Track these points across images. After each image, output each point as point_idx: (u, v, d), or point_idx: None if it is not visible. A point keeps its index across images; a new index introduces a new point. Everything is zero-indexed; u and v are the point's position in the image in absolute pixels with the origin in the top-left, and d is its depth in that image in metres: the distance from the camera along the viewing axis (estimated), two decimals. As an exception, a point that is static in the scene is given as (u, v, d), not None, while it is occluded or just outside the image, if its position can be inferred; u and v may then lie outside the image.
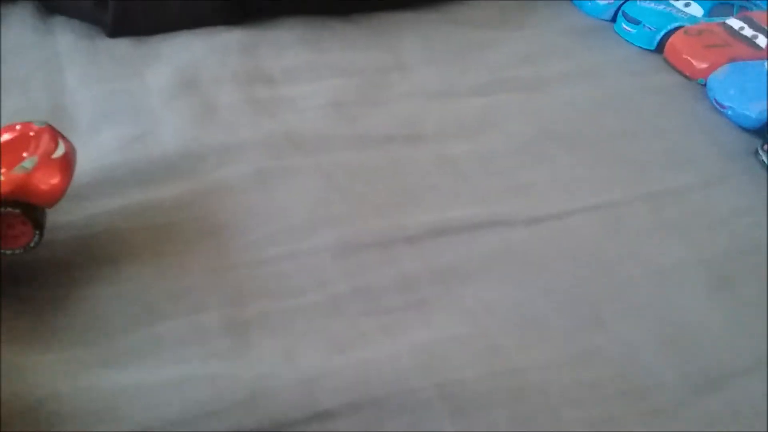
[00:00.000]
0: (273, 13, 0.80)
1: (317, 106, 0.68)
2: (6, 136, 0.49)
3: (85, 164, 0.53)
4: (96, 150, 0.54)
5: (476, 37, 0.83)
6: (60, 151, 0.48)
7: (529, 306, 0.50)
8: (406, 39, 0.81)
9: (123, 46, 0.74)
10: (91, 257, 0.50)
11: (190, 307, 0.47)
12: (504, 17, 0.89)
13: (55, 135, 0.49)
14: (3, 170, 0.45)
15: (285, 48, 0.76)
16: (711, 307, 0.51)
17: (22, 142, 0.48)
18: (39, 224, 0.46)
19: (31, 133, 0.48)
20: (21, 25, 0.76)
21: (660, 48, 0.84)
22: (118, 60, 0.72)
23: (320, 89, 0.70)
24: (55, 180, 0.46)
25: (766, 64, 0.75)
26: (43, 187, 0.45)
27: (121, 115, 0.64)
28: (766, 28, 0.81)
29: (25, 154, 0.46)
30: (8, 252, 0.46)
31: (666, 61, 0.82)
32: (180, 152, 0.60)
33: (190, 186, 0.57)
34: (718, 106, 0.74)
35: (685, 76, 0.79)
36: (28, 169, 0.45)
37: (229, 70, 0.71)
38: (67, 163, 0.48)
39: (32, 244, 0.46)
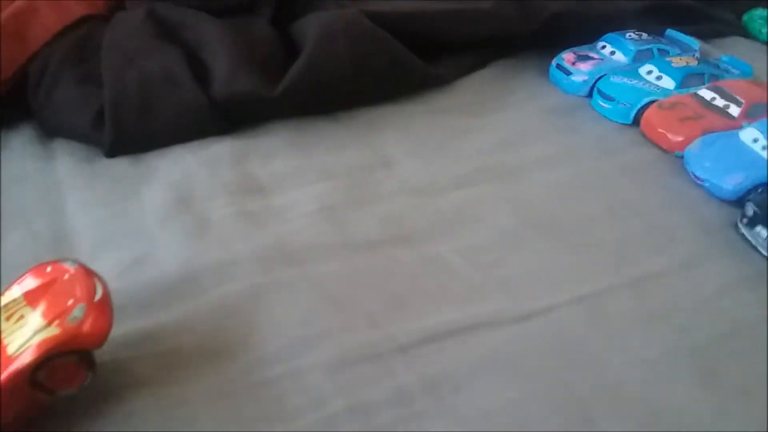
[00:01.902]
0: (260, 119, 0.84)
1: (306, 214, 0.70)
2: (40, 280, 0.50)
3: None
4: (97, 278, 0.56)
5: (456, 125, 0.86)
6: (99, 293, 0.50)
7: (521, 409, 0.51)
8: (389, 133, 0.84)
9: (121, 165, 0.77)
10: (95, 391, 0.51)
11: (192, 439, 0.48)
12: (483, 101, 0.92)
13: (91, 275, 0.51)
14: (57, 321, 0.47)
15: (273, 154, 0.79)
16: (700, 397, 0.52)
17: (62, 286, 0.50)
18: (92, 365, 0.48)
19: (66, 276, 0.50)
20: (21, 152, 0.80)
21: (636, 121, 0.87)
22: (117, 180, 0.75)
23: (308, 195, 0.73)
24: (103, 324, 0.48)
25: (739, 134, 0.78)
26: (94, 332, 0.48)
27: (120, 238, 0.67)
28: (736, 97, 0.84)
29: (70, 301, 0.48)
30: (64, 394, 0.48)
31: (643, 135, 0.85)
32: (177, 274, 0.62)
33: (188, 309, 0.59)
34: (695, 179, 0.76)
35: (663, 150, 0.82)
36: (79, 318, 0.47)
37: (220, 182, 0.74)
38: (108, 304, 0.50)
39: (86, 384, 0.48)
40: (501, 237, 0.67)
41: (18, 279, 0.52)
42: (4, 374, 0.45)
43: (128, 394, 0.51)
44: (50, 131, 0.83)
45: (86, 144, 0.80)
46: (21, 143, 0.82)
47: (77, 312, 0.48)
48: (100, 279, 0.51)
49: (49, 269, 0.52)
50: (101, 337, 0.48)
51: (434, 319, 0.58)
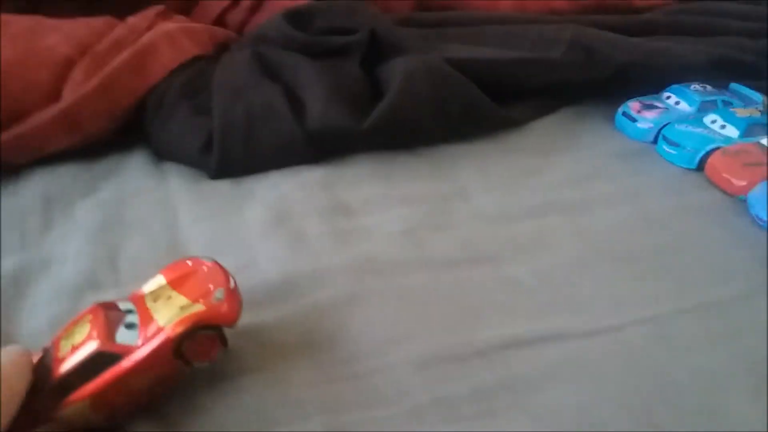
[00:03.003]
0: (348, 151, 0.93)
1: (390, 233, 0.78)
2: (182, 271, 0.60)
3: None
4: (208, 280, 0.63)
5: (528, 163, 0.93)
6: (232, 282, 0.59)
7: (591, 412, 0.56)
8: (465, 168, 0.92)
9: (224, 187, 0.87)
10: (211, 374, 0.59)
11: (297, 416, 0.55)
12: (552, 143, 0.99)
13: (223, 268, 0.60)
14: (202, 300, 0.56)
15: (359, 182, 0.87)
16: (757, 409, 0.56)
17: (203, 275, 0.59)
18: (225, 340, 0.56)
19: (205, 268, 0.60)
20: (138, 172, 0.91)
21: (700, 166, 0.91)
22: (221, 199, 0.84)
23: (392, 218, 0.80)
24: (238, 306, 0.57)
25: (800, 180, 0.82)
26: (232, 311, 0.56)
27: (227, 248, 0.75)
28: (797, 146, 0.88)
29: (211, 286, 0.57)
30: (199, 365, 0.55)
31: (707, 179, 0.89)
32: (277, 279, 0.70)
33: (288, 309, 0.66)
34: (758, 221, 0.80)
35: (727, 193, 0.86)
36: (221, 299, 0.56)
37: (313, 204, 0.82)
38: (238, 291, 0.59)
39: (219, 357, 0.56)
40: (569, 263, 0.73)
41: (162, 270, 0.61)
42: (156, 340, 0.53)
43: (240, 378, 0.59)
44: (163, 155, 0.93)
45: (194, 167, 0.90)
46: (136, 164, 0.93)
47: (218, 294, 0.56)
48: (230, 273, 0.60)
49: (189, 263, 0.61)
50: (236, 316, 0.57)
51: (508, 330, 0.63)
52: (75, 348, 0.54)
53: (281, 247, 0.75)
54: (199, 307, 0.55)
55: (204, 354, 0.55)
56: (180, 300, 0.56)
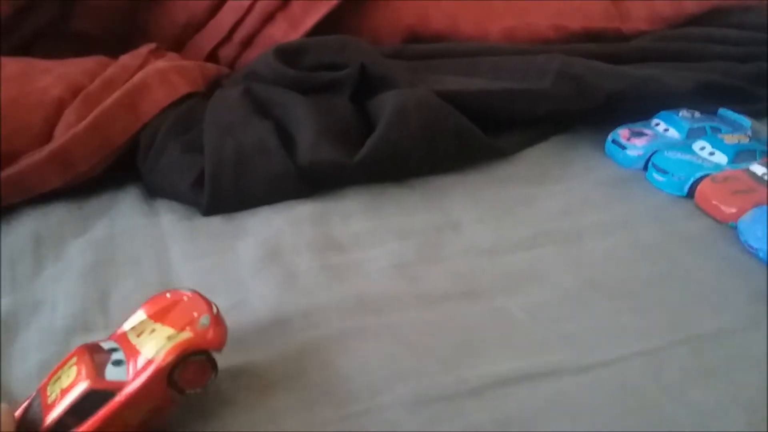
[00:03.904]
0: (338, 184, 0.93)
1: (382, 269, 0.77)
2: (162, 304, 0.61)
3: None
4: (200, 320, 0.63)
5: (519, 193, 0.93)
6: (215, 308, 0.60)
7: (584, 450, 0.55)
8: (456, 199, 0.92)
9: (216, 223, 0.87)
10: (200, 415, 0.59)
11: (287, 461, 0.54)
12: (543, 172, 0.99)
13: (204, 296, 0.61)
14: (188, 328, 0.57)
15: (351, 216, 0.88)
16: (753, 446, 0.56)
17: (184, 305, 0.60)
18: (215, 365, 0.57)
19: (185, 298, 0.61)
20: (130, 209, 0.91)
21: (690, 193, 0.92)
22: (213, 236, 0.84)
23: (384, 252, 0.80)
24: (223, 330, 0.58)
25: (788, 206, 0.82)
26: (218, 336, 0.57)
27: (218, 286, 0.75)
28: (786, 172, 0.88)
29: (195, 314, 0.58)
30: (192, 392, 0.56)
31: (698, 206, 0.90)
32: (269, 318, 0.70)
33: (279, 349, 0.66)
34: (749, 248, 0.80)
35: (717, 220, 0.86)
36: (206, 325, 0.57)
37: (305, 240, 0.82)
38: (222, 316, 0.60)
39: (210, 382, 0.57)
40: (563, 296, 0.73)
41: (141, 305, 0.62)
42: (147, 372, 0.54)
43: (229, 420, 0.58)
44: (155, 192, 0.93)
45: (186, 204, 0.90)
46: (128, 202, 0.93)
47: (204, 320, 0.57)
48: (211, 300, 0.61)
49: (168, 295, 0.62)
50: (223, 340, 0.57)
51: (502, 366, 0.63)
52: (64, 391, 0.54)
53: (273, 285, 0.75)
54: (186, 335, 0.56)
55: (196, 381, 0.56)
56: (165, 331, 0.57)
